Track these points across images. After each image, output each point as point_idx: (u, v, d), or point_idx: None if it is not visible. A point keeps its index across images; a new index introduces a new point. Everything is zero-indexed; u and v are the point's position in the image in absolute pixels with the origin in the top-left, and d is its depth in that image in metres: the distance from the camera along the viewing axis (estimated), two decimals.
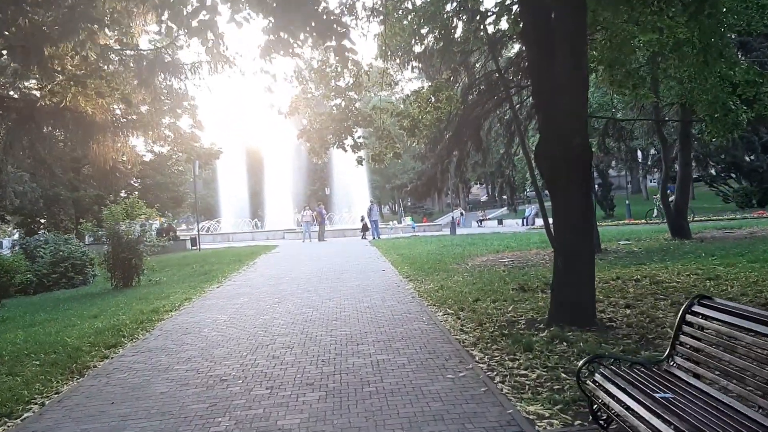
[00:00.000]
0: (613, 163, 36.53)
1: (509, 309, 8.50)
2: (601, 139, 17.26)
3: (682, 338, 4.00)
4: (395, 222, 48.15)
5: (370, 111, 11.31)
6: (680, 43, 10.65)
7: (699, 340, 3.85)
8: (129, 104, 9.14)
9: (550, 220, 8.13)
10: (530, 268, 12.86)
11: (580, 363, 4.10)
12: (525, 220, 43.06)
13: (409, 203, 73.63)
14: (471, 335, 7.20)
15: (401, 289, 11.32)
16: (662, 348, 6.03)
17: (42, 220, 28.76)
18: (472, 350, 6.53)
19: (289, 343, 7.31)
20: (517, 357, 6.10)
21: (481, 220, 48.84)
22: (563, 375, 5.42)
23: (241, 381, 5.85)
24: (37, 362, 7.12)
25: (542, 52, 7.23)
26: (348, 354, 6.62)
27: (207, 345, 7.53)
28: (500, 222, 47.28)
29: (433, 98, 11.99)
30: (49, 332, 9.10)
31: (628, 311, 7.80)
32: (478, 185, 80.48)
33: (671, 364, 4.01)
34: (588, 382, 4.03)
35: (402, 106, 12.55)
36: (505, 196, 70.98)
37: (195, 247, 28.82)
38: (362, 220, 33.52)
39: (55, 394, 5.97)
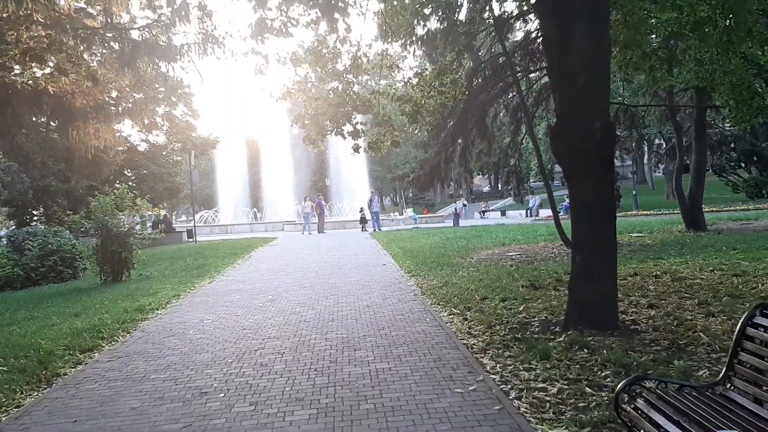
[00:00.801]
0: (617, 152, 35.73)
1: (520, 309, 7.82)
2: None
3: (742, 356, 3.31)
4: (396, 213, 47.42)
5: (369, 96, 10.57)
6: (701, 21, 9.92)
7: (763, 358, 3.16)
8: (96, 82, 8.41)
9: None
10: (540, 262, 12.18)
11: (619, 386, 3.41)
12: (529, 211, 42.36)
13: (411, 194, 72.86)
14: (480, 339, 6.53)
15: (403, 286, 10.65)
16: (697, 357, 5.38)
17: (35, 212, 28.07)
18: (482, 357, 5.86)
19: (279, 348, 6.64)
20: (533, 366, 5.43)
21: (483, 211, 48.15)
22: (588, 389, 4.75)
23: (222, 394, 5.18)
24: (5, 368, 6.47)
25: (559, 25, 6.50)
26: (344, 362, 5.96)
27: (190, 349, 6.87)
28: (503, 213, 46.59)
29: (436, 82, 11.28)
30: (25, 333, 8.46)
31: (652, 312, 7.12)
32: (481, 176, 79.62)
33: (729, 387, 3.32)
34: (628, 407, 3.36)
35: (403, 89, 11.82)
36: (510, 187, 70.39)
37: (191, 240, 28.15)
38: (361, 211, 32.60)
39: (16, 407, 5.32)
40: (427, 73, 11.21)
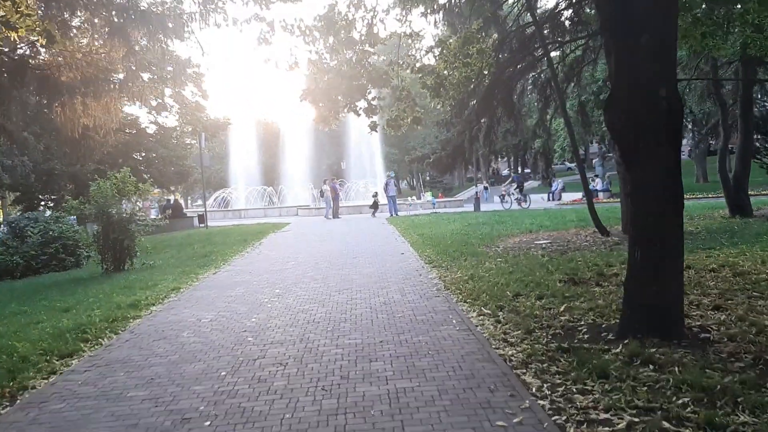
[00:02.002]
0: None
1: (561, 309, 6.77)
2: None
3: None
4: (414, 197, 46.30)
5: (386, 68, 9.49)
6: None
7: None
8: (51, 39, 7.40)
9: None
10: (574, 252, 11.08)
11: None
12: (551, 194, 41.07)
13: (428, 177, 71.51)
14: (518, 348, 5.50)
15: (423, 279, 9.63)
16: None
17: (42, 197, 27.40)
18: (524, 374, 4.84)
19: (282, 358, 5.67)
20: (589, 387, 4.42)
21: (503, 195, 46.90)
22: (666, 424, 3.73)
23: (208, 423, 4.22)
24: None
25: None
26: (357, 378, 4.96)
27: (180, 357, 5.92)
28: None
29: (461, 53, 10.18)
30: (5, 332, 7.63)
31: (720, 316, 6.04)
32: (500, 158, 77.94)
33: None
34: None
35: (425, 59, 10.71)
36: (539, 170, 68.61)
37: (202, 225, 27.34)
38: (374, 196, 31.27)
39: None
40: (452, 41, 10.09)
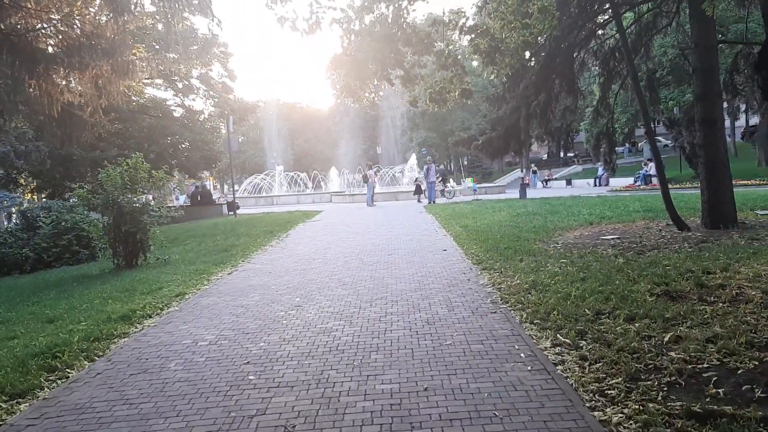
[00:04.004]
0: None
1: (666, 338, 5.02)
2: (729, 77, 13.14)
3: None
4: (453, 183, 44.42)
5: (428, 29, 7.77)
6: None
7: None
8: None
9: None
10: (653, 252, 9.18)
11: None
12: (597, 179, 38.85)
13: (466, 162, 69.27)
14: (625, 410, 3.80)
15: (473, 285, 7.93)
16: None
17: (68, 184, 26.49)
18: None
19: (288, 415, 4.09)
20: None
21: (546, 180, 44.80)
22: None
23: None
24: None
25: None
26: None
27: (154, 407, 4.40)
28: (569, 182, 43.13)
29: (518, 14, 8.39)
30: None
31: None
32: (539, 142, 75.04)
33: None
34: None
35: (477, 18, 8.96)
36: (570, 154, 65.78)
37: (231, 213, 26.09)
38: (416, 181, 30.64)
39: None
40: None
